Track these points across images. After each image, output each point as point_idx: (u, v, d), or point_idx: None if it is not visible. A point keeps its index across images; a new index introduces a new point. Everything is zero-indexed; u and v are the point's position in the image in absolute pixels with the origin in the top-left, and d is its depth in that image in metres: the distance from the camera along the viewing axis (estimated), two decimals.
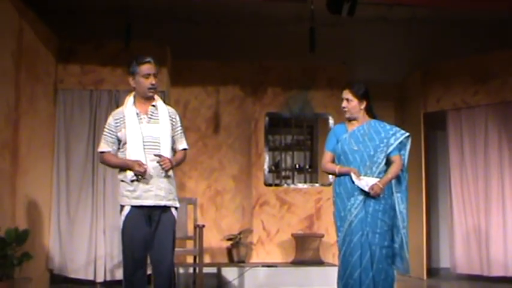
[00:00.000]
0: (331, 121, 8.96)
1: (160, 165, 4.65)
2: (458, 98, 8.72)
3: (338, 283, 5.09)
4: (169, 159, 4.70)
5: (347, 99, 5.19)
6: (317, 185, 9.05)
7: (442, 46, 9.22)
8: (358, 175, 5.00)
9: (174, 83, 8.64)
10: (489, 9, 8.06)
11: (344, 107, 5.21)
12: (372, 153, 5.07)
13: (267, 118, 8.99)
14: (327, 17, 7.37)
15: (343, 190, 5.10)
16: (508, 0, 7.22)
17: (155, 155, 4.66)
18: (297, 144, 9.54)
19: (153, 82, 4.78)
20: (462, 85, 8.67)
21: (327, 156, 5.27)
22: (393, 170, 5.08)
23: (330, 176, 8.74)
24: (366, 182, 4.98)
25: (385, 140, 5.10)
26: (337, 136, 5.22)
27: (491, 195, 8.34)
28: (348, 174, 5.05)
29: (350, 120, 5.23)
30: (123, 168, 4.74)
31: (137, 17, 7.64)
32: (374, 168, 5.05)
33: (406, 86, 9.55)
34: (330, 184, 8.80)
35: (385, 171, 5.08)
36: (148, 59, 4.80)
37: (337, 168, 5.14)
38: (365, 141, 5.10)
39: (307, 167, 9.53)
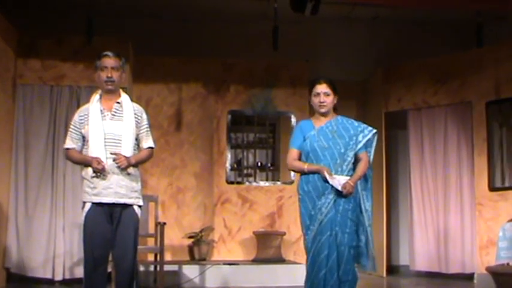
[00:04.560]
0: (293, 119, 8.99)
1: (116, 163, 4.62)
2: (419, 98, 8.84)
3: (305, 283, 4.94)
4: (125, 157, 4.65)
5: (326, 94, 5.01)
6: (279, 183, 9.07)
7: (404, 46, 9.35)
8: (330, 173, 4.85)
9: (136, 80, 8.57)
10: (450, 8, 8.19)
11: (323, 102, 5.00)
12: (342, 150, 4.92)
13: (229, 116, 8.97)
14: (290, 15, 7.39)
15: (312, 188, 4.90)
16: (468, 1, 7.32)
17: (111, 154, 4.63)
18: (259, 142, 9.54)
19: (109, 75, 4.73)
20: (423, 85, 8.79)
21: (293, 153, 5.05)
22: (362, 167, 4.96)
23: (292, 174, 8.80)
24: (338, 181, 4.83)
25: (354, 137, 4.98)
26: (304, 133, 5.02)
27: (449, 194, 8.48)
28: (317, 172, 4.89)
29: (322, 115, 5.05)
30: (85, 164, 4.71)
31: (99, 12, 7.56)
32: (344, 166, 4.90)
33: (368, 85, 9.64)
34: (291, 182, 8.84)
35: (353, 169, 4.96)
36: (106, 53, 4.79)
37: (305, 166, 4.93)
38: (334, 138, 4.95)
39: (269, 165, 9.54)
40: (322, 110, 5.03)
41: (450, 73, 8.56)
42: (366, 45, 9.55)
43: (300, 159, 5.05)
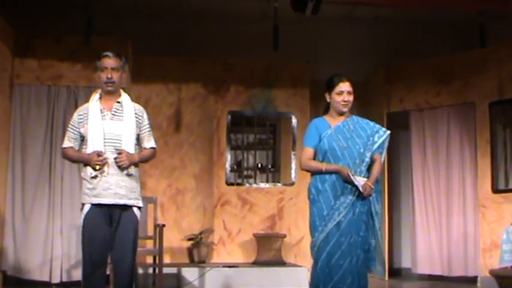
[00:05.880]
0: (294, 120, 8.93)
1: (117, 162, 4.56)
2: (421, 99, 8.79)
3: (315, 286, 4.74)
4: (128, 154, 4.59)
5: (349, 92, 4.86)
6: (279, 184, 9.00)
7: (405, 46, 9.32)
8: (352, 174, 4.69)
9: (135, 80, 8.49)
10: (451, 9, 8.15)
11: (347, 101, 4.83)
12: (361, 150, 4.77)
13: (229, 116, 8.89)
14: (291, 15, 7.34)
15: (329, 188, 4.73)
16: (469, 1, 7.28)
17: (116, 149, 4.57)
18: (260, 143, 9.48)
19: (109, 76, 4.68)
20: (425, 86, 8.74)
21: (308, 152, 4.84)
22: (377, 169, 4.82)
23: (293, 175, 8.75)
24: (359, 182, 4.69)
25: (371, 138, 4.84)
26: (320, 132, 4.83)
27: (452, 195, 8.41)
28: (336, 172, 4.72)
29: (340, 114, 4.89)
30: (84, 164, 4.65)
31: (99, 12, 7.49)
32: (362, 167, 4.74)
33: (370, 86, 9.58)
34: (292, 184, 8.79)
35: (367, 170, 4.82)
36: (106, 53, 4.74)
37: (323, 166, 4.75)
38: (353, 138, 4.80)
39: (270, 166, 9.49)
40: (345, 109, 4.87)
41: (453, 73, 8.51)
42: (367, 45, 9.50)
43: (314, 158, 4.87)
